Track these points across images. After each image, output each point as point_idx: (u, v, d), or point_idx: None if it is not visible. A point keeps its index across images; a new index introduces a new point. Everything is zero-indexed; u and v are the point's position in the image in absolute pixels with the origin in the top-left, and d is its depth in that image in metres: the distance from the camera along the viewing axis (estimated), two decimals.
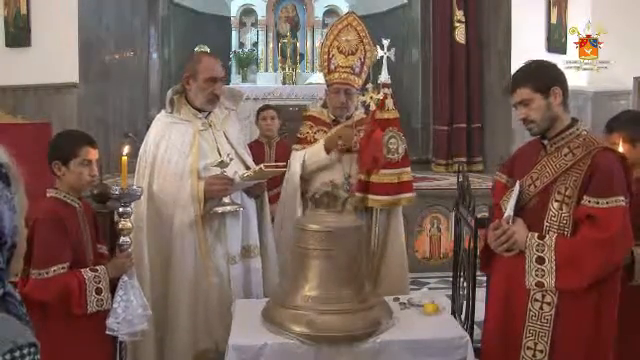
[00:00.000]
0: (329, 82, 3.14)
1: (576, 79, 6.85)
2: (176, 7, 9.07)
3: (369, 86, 2.99)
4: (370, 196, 2.91)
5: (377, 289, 2.72)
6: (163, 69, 8.68)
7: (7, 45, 6.50)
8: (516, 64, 6.70)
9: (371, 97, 2.92)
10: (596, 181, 2.04)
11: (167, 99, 2.81)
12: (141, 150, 2.81)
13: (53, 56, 6.29)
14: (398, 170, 2.95)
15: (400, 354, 2.14)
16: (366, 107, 3.10)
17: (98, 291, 2.17)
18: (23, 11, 6.42)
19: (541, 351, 2.11)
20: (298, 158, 3.07)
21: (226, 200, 2.70)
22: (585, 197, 2.05)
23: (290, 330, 2.13)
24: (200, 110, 2.82)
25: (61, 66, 6.32)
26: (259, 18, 9.35)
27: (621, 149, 2.33)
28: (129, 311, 2.20)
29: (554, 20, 7.00)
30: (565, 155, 2.12)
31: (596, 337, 2.10)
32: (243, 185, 2.76)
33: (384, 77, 3.06)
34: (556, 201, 2.10)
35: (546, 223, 2.11)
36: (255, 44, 9.38)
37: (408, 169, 3.02)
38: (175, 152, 2.70)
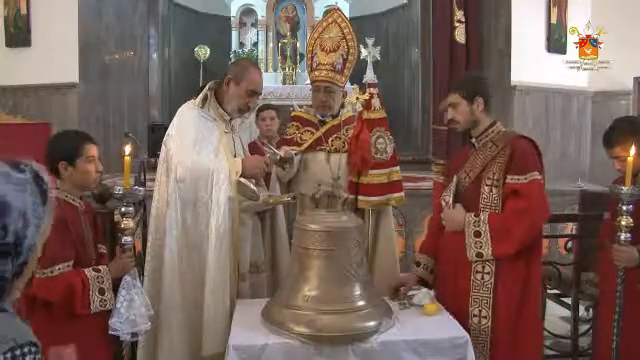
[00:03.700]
0: (311, 81, 3.09)
1: (576, 79, 6.87)
2: (176, 7, 9.08)
3: (354, 86, 2.94)
4: (360, 197, 2.87)
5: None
6: (163, 69, 8.68)
7: (7, 45, 6.51)
8: (516, 64, 6.78)
9: (357, 98, 2.89)
10: (515, 162, 2.43)
11: (202, 93, 2.77)
12: (166, 142, 2.71)
13: (53, 56, 6.30)
14: (387, 170, 2.91)
15: (400, 354, 2.13)
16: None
17: (101, 291, 2.16)
18: (23, 11, 6.44)
19: (485, 317, 2.42)
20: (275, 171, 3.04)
21: (253, 181, 2.69)
22: (508, 176, 2.43)
23: (290, 330, 2.13)
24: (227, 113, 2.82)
25: (61, 66, 6.33)
26: (259, 18, 9.36)
27: (633, 152, 2.32)
28: (132, 311, 2.19)
29: (554, 20, 7.00)
30: (490, 148, 2.53)
31: (527, 299, 2.43)
32: (258, 207, 2.76)
33: (369, 76, 3.01)
34: (487, 185, 2.47)
35: (480, 205, 2.46)
36: (255, 44, 9.40)
37: (397, 168, 2.97)
38: (204, 143, 2.66)
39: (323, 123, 3.11)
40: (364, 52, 3.03)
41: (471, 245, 2.40)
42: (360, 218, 2.86)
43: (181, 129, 2.69)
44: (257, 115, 4.47)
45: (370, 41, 3.03)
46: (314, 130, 3.10)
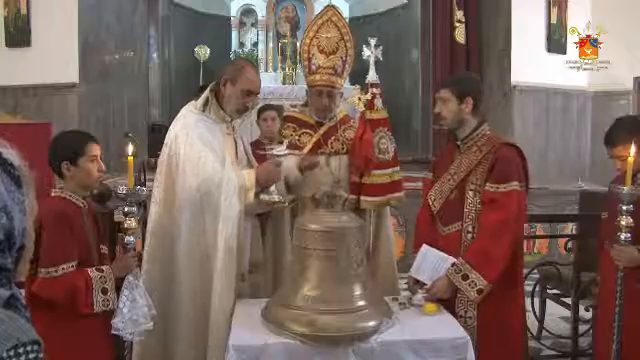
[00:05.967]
0: (310, 84, 3.00)
1: (576, 79, 6.88)
2: (176, 7, 9.07)
3: (356, 86, 2.92)
4: (363, 197, 2.86)
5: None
6: (163, 69, 8.68)
7: (7, 45, 6.51)
8: (516, 64, 6.78)
9: (359, 98, 2.87)
10: (496, 170, 2.43)
11: (203, 96, 2.75)
12: (170, 145, 2.68)
13: (53, 56, 6.30)
14: (389, 170, 2.91)
15: (400, 354, 2.13)
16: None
17: (104, 291, 2.17)
18: (23, 11, 6.43)
19: (470, 317, 2.45)
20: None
21: (272, 189, 2.65)
22: (488, 184, 2.44)
23: (290, 330, 2.13)
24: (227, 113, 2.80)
25: (61, 66, 6.33)
26: (259, 18, 9.35)
27: (633, 151, 2.32)
28: (134, 311, 2.19)
29: (554, 20, 7.01)
30: (474, 152, 2.52)
31: (511, 298, 2.50)
32: (260, 209, 2.75)
33: (372, 77, 2.99)
34: (471, 190, 2.49)
35: (465, 209, 2.49)
36: (255, 44, 9.39)
37: (398, 168, 2.98)
38: (210, 150, 2.63)
39: (321, 125, 3.07)
40: (367, 52, 3.01)
41: (467, 289, 2.38)
42: (361, 218, 2.85)
43: (188, 135, 2.65)
44: (258, 115, 4.49)
45: (373, 41, 3.01)
46: (312, 132, 3.06)
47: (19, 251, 1.03)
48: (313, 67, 2.95)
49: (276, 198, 2.64)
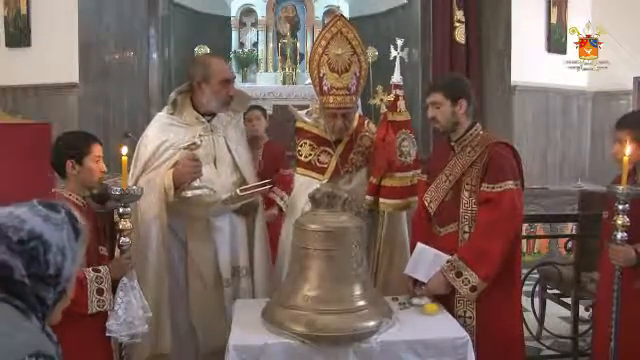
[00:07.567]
0: (324, 105, 2.84)
1: (576, 79, 6.87)
2: (176, 7, 9.06)
3: (379, 87, 2.85)
4: (382, 200, 2.77)
5: (386, 291, 2.66)
6: (163, 69, 8.66)
7: (7, 45, 6.52)
8: (516, 64, 6.78)
9: (381, 99, 2.82)
10: (491, 170, 2.45)
11: (170, 99, 2.77)
12: (137, 149, 2.78)
13: (53, 56, 6.30)
14: (411, 173, 2.82)
15: (400, 354, 2.14)
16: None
17: (99, 292, 2.16)
18: (23, 11, 6.44)
19: (470, 317, 2.46)
20: (303, 198, 2.78)
21: (195, 184, 2.61)
22: (483, 184, 2.46)
23: (290, 330, 2.13)
24: (204, 114, 2.77)
25: (61, 66, 6.33)
26: (259, 18, 9.34)
27: (629, 147, 2.33)
28: (129, 313, 2.19)
29: (554, 20, 7.01)
30: (469, 153, 2.54)
31: (508, 297, 2.51)
32: (228, 209, 2.74)
33: (396, 78, 2.87)
34: (466, 191, 2.50)
35: (461, 210, 2.50)
36: (255, 44, 9.38)
37: (419, 171, 2.88)
38: (166, 153, 2.68)
39: (339, 143, 2.94)
40: (393, 53, 2.94)
41: (461, 286, 2.40)
42: (374, 220, 2.83)
43: (144, 144, 2.74)
44: (244, 116, 4.43)
45: (400, 42, 2.93)
46: (330, 150, 2.94)
47: (60, 293, 1.17)
48: (325, 88, 2.79)
49: (198, 192, 2.61)
